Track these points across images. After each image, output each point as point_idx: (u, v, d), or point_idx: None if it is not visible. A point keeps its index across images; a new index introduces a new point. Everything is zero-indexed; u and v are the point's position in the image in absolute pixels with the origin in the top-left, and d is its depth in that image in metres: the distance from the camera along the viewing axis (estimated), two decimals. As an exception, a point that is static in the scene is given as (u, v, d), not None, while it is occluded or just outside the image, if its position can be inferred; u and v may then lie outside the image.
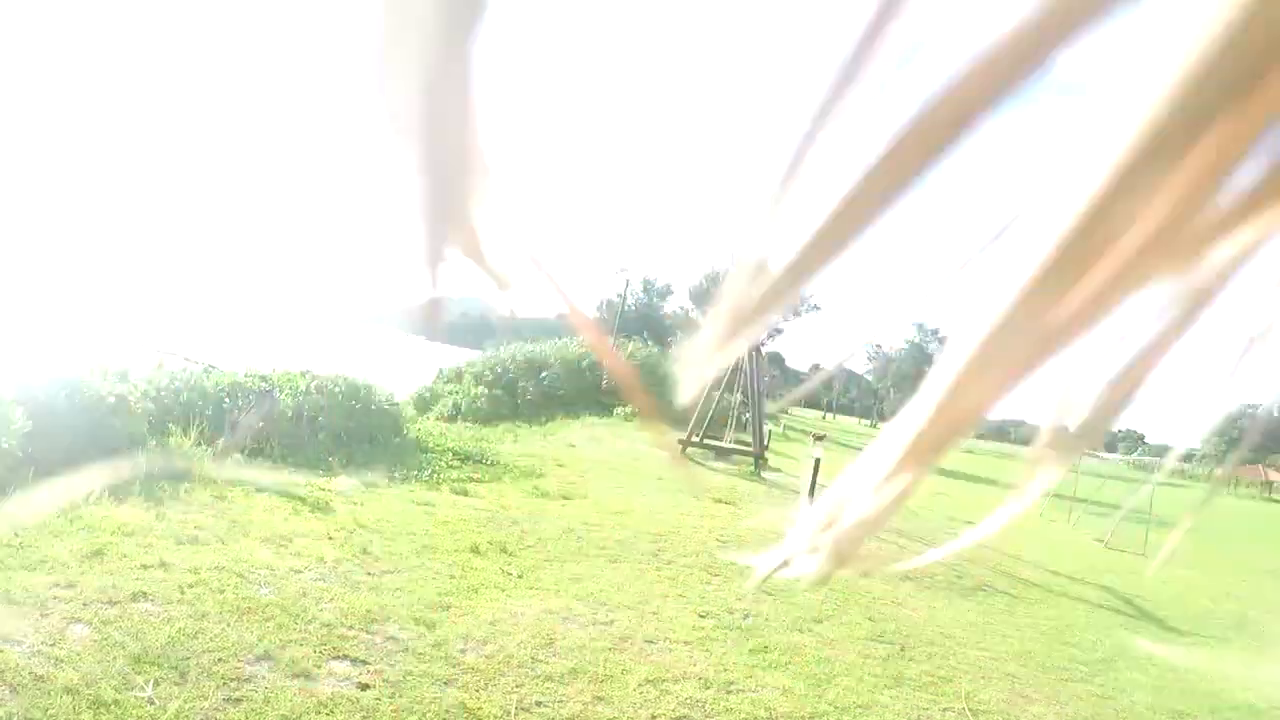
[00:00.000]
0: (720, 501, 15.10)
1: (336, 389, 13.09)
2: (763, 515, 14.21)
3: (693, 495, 15.28)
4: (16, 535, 6.59)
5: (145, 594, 5.86)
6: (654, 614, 7.45)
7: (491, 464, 14.86)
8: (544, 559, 8.77)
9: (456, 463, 14.32)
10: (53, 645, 4.96)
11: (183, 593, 5.97)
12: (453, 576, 7.51)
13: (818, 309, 70.61)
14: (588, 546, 9.53)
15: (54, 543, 6.54)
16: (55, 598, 5.57)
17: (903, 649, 7.84)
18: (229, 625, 5.57)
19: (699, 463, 20.93)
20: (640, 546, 9.93)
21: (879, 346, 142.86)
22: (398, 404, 15.64)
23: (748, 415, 25.39)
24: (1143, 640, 10.45)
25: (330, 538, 8.08)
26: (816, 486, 16.72)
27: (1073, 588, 13.84)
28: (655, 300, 74.58)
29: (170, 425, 10.46)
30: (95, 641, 5.06)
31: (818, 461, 16.81)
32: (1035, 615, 10.67)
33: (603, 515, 11.64)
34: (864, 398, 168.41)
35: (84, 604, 5.54)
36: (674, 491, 15.39)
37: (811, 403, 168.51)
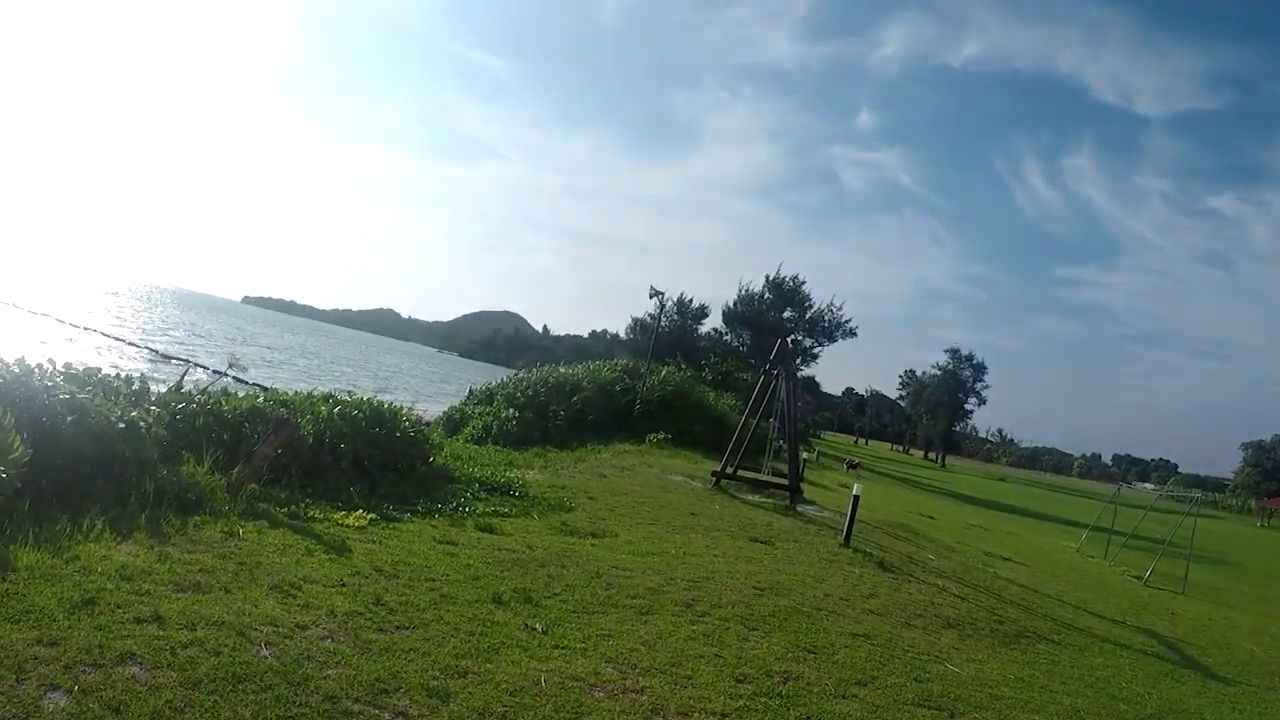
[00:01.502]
0: (756, 540, 14.49)
1: (360, 414, 12.60)
2: (800, 557, 13.61)
3: (728, 534, 14.68)
4: (3, 579, 6.11)
5: (134, 655, 5.33)
6: (688, 678, 6.85)
7: (519, 496, 14.32)
8: (571, 610, 8.19)
9: (483, 494, 13.81)
10: (25, 718, 4.44)
11: (175, 654, 5.43)
12: (472, 633, 6.94)
13: (853, 334, 69.39)
14: (617, 595, 8.94)
15: (43, 589, 6.05)
16: (35, 657, 5.06)
17: (953, 716, 7.25)
18: (222, 697, 5.02)
19: (734, 495, 20.26)
20: (673, 595, 9.34)
21: (912, 372, 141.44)
22: (425, 429, 15.13)
23: (782, 442, 24.77)
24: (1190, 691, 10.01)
25: (343, 585, 7.54)
26: (855, 525, 16.12)
27: (1116, 632, 13.25)
28: (689, 322, 73.72)
29: (184, 452, 9.98)
30: (71, 715, 4.53)
31: (856, 499, 16.17)
32: (1081, 665, 10.16)
33: (634, 557, 11.06)
34: (896, 422, 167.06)
35: (65, 666, 5.02)
36: (708, 529, 14.79)
37: (844, 426, 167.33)
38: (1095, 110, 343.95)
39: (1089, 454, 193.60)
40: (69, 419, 8.57)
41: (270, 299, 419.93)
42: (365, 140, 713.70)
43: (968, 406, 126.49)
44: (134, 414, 9.35)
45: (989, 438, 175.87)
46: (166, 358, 44.84)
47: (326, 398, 13.25)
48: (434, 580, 8.24)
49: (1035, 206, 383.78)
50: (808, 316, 68.79)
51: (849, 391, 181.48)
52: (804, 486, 22.53)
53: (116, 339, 50.03)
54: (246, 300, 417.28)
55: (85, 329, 51.15)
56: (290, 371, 60.93)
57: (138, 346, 48.47)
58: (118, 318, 78.13)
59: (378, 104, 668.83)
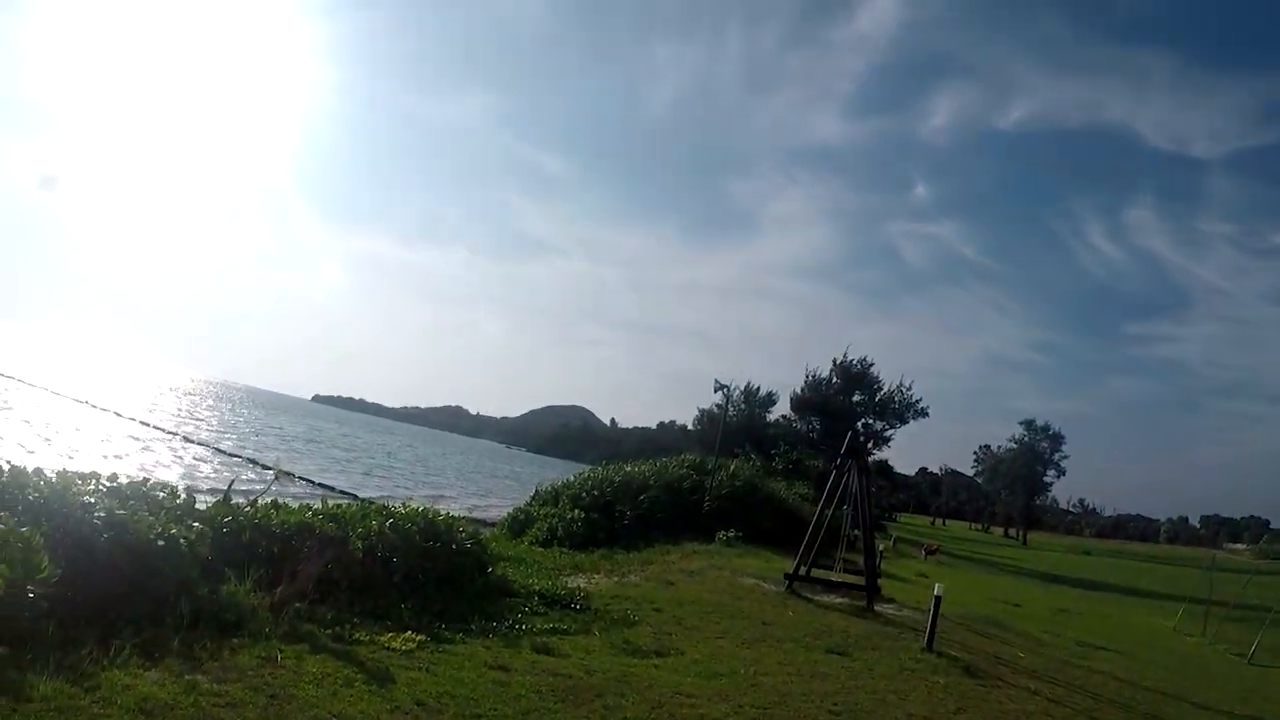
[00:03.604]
0: (833, 652, 13.60)
1: (413, 527, 12.11)
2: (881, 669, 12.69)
3: (802, 645, 13.79)
4: (15, 711, 5.61)
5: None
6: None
7: (580, 609, 13.60)
8: (629, 750, 7.44)
9: (543, 608, 13.14)
10: None
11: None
12: (518, 787, 6.24)
13: (924, 414, 68.06)
14: (681, 730, 8.17)
15: (54, 729, 5.53)
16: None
17: None
18: None
19: (808, 598, 19.32)
20: (743, 727, 8.54)
21: (986, 447, 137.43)
22: (482, 538, 14.57)
23: (857, 532, 23.86)
24: None
25: (380, 725, 6.90)
26: (938, 625, 15.16)
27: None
28: (757, 410, 72.94)
29: (227, 569, 9.52)
30: None
31: (938, 600, 15.20)
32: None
33: (700, 680, 10.25)
34: (973, 500, 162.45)
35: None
36: (780, 640, 13.94)
37: (920, 507, 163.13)
38: (1151, 159, 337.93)
39: (1175, 517, 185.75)
40: (105, 535, 8.18)
41: (339, 397, 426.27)
42: (427, 242, 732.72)
43: (1046, 479, 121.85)
44: (174, 530, 8.93)
45: (1070, 509, 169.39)
46: (231, 456, 45.25)
47: (379, 510, 12.80)
48: (479, 717, 7.55)
49: (1099, 265, 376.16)
50: (878, 399, 67.84)
51: (923, 471, 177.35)
52: (881, 581, 21.55)
53: (185, 438, 50.72)
54: (317, 398, 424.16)
55: (168, 432, 52.09)
56: (359, 469, 61.23)
57: (207, 447, 48.90)
58: (192, 416, 79.49)
59: (436, 207, 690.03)
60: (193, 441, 49.71)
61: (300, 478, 37.62)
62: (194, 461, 41.07)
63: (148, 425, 53.27)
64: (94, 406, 56.57)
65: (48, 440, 36.41)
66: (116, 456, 36.41)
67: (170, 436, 50.69)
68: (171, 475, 33.05)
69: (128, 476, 10.25)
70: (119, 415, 55.08)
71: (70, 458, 31.53)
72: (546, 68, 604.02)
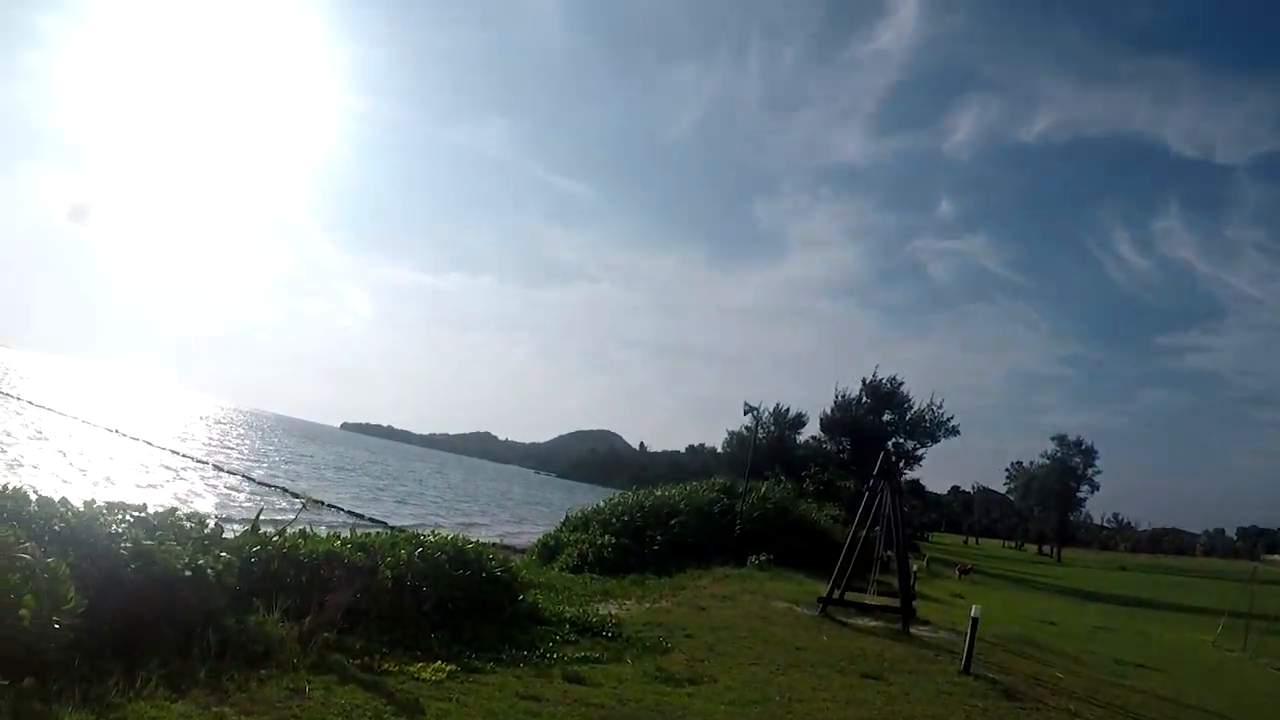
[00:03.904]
0: (868, 676, 13.35)
1: (443, 556, 11.98)
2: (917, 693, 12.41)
3: (837, 670, 13.52)
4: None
5: None
6: None
7: (612, 637, 13.40)
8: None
9: (574, 635, 12.96)
10: None
11: None
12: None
13: (956, 432, 67.39)
14: (717, 760, 7.96)
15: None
16: None
17: None
18: None
19: (842, 621, 19.05)
20: (780, 757, 8.31)
21: (1019, 463, 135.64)
22: (513, 565, 14.43)
23: (890, 552, 23.58)
24: None
25: (408, 758, 6.75)
26: (975, 648, 14.90)
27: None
28: (787, 432, 72.58)
29: (255, 599, 9.42)
30: None
31: (975, 622, 14.90)
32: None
33: (734, 709, 10.05)
34: (1006, 518, 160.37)
35: None
36: (815, 665, 13.71)
37: (952, 525, 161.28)
38: (1177, 167, 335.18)
39: (1212, 530, 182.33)
40: (132, 566, 8.10)
41: (368, 424, 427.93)
42: (454, 269, 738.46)
43: (1080, 494, 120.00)
44: (202, 560, 8.84)
45: (1104, 524, 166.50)
46: (263, 485, 45.49)
47: (409, 539, 12.68)
48: (511, 750, 7.40)
49: (1128, 276, 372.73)
50: (908, 418, 67.26)
51: (955, 489, 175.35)
52: (915, 602, 21.26)
53: (217, 467, 51.09)
54: (345, 426, 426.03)
55: (200, 460, 52.51)
56: (391, 497, 61.31)
57: (240, 475, 49.20)
58: (224, 445, 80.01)
59: (462, 234, 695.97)
60: (225, 470, 50.11)
61: (329, 505, 37.77)
62: (227, 490, 41.21)
63: (180, 454, 53.86)
64: (126, 436, 57.31)
65: (83, 471, 36.63)
66: (152, 486, 36.58)
67: (203, 465, 51.17)
68: (206, 504, 33.21)
69: (156, 506, 10.20)
70: (151, 444, 55.73)
71: (105, 487, 31.74)
72: (569, 94, 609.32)
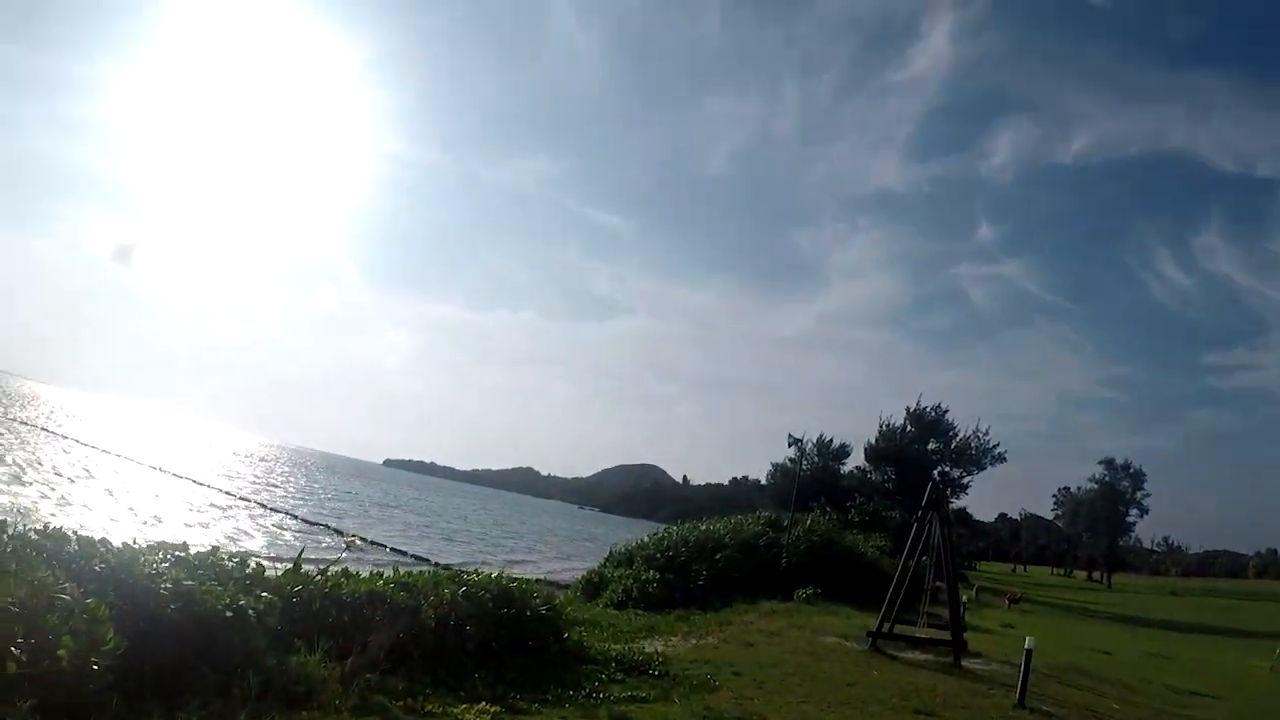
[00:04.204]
0: (921, 713, 13.00)
1: (487, 595, 11.80)
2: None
3: (889, 707, 13.14)
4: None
5: None
6: None
7: (659, 675, 13.09)
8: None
9: (620, 674, 12.68)
10: None
11: None
12: None
13: (1002, 459, 66.37)
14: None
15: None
16: None
17: None
18: None
19: (892, 655, 18.65)
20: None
21: (1066, 489, 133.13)
22: (557, 602, 14.21)
23: (939, 583, 23.11)
24: None
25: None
26: (1029, 680, 14.60)
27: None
28: (831, 463, 72.02)
29: (296, 639, 9.27)
30: None
31: (1029, 654, 14.49)
32: None
33: (787, 751, 9.71)
34: (1054, 544, 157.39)
35: None
36: (866, 702, 13.37)
37: (1000, 553, 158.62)
38: (1216, 182, 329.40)
39: (1264, 550, 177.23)
40: (173, 606, 7.99)
41: (410, 461, 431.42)
42: (493, 305, 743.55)
43: (1129, 519, 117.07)
44: (243, 600, 8.72)
45: (1154, 548, 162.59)
46: (311, 523, 45.73)
47: (452, 577, 12.51)
48: (559, 793, 7.16)
49: (1171, 295, 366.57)
50: (953, 446, 66.31)
51: (1002, 517, 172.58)
52: (966, 634, 20.81)
53: (263, 505, 51.46)
54: (388, 463, 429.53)
55: (244, 499, 52.95)
56: (438, 534, 61.48)
57: (283, 513, 49.51)
58: (269, 483, 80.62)
59: (503, 271, 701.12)
60: (272, 509, 50.47)
61: (372, 542, 37.88)
62: (275, 529, 41.43)
63: (227, 493, 54.35)
64: (173, 474, 57.97)
65: (131, 509, 36.97)
66: (201, 525, 36.89)
67: (249, 503, 51.60)
68: (255, 543, 33.43)
69: (200, 546, 10.13)
70: (198, 483, 56.35)
71: (154, 526, 32.01)
72: (607, 129, 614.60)
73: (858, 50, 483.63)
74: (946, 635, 20.06)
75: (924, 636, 20.65)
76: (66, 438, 70.11)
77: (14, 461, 45.44)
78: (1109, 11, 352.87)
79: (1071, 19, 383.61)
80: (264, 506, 51.06)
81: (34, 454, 52.10)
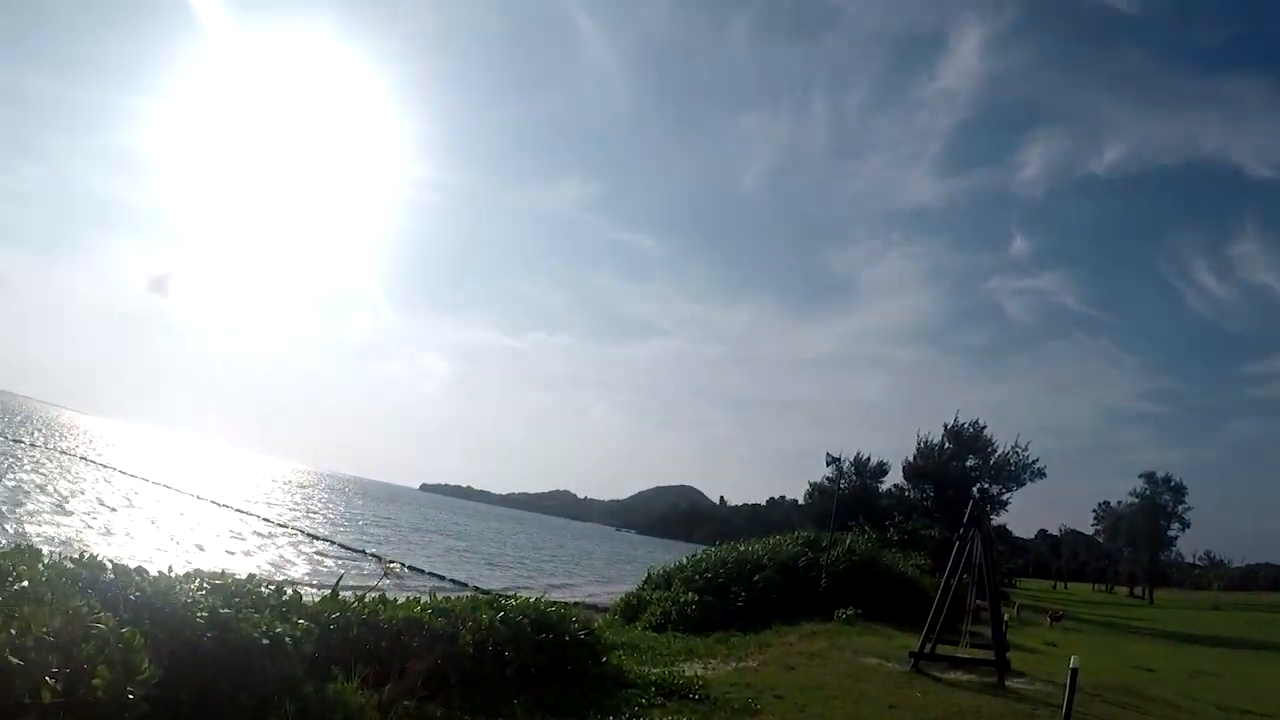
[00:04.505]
0: (966, 735, 12.68)
1: (525, 620, 11.70)
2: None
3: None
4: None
5: None
6: None
7: (699, 699, 12.91)
8: None
9: (659, 699, 12.50)
10: None
11: None
12: None
13: (1042, 475, 65.50)
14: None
15: None
16: None
17: None
18: None
19: (935, 676, 18.35)
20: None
21: (1106, 503, 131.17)
22: (593, 630, 14.08)
23: (980, 601, 22.74)
24: None
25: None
26: (1074, 700, 14.20)
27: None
28: (869, 481, 71.47)
29: (334, 666, 9.22)
30: None
31: (1074, 674, 14.17)
32: None
33: (833, 776, 9.50)
34: (1095, 560, 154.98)
35: None
36: (910, 725, 13.06)
37: (1040, 570, 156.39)
38: (1252, 189, 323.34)
39: None
40: (209, 635, 7.95)
41: (446, 485, 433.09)
42: (529, 329, 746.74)
43: (1170, 532, 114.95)
44: (280, 628, 8.66)
45: (1196, 562, 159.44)
46: (352, 550, 45.91)
47: (490, 602, 12.45)
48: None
49: (1209, 305, 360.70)
50: (992, 462, 65.53)
51: (1042, 533, 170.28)
52: (1009, 653, 20.45)
53: (306, 533, 51.75)
54: (424, 487, 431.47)
55: (283, 525, 53.30)
56: (479, 559, 61.60)
57: (324, 540, 49.77)
58: (309, 511, 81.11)
59: (536, 294, 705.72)
60: (312, 536, 50.76)
61: (411, 567, 37.93)
62: (317, 556, 41.63)
63: (268, 520, 54.75)
64: (214, 502, 58.50)
65: (172, 537, 37.30)
66: (245, 554, 37.16)
67: (290, 530, 51.93)
68: (298, 571, 33.67)
69: (238, 573, 10.12)
70: (239, 511, 56.83)
71: (196, 554, 32.23)
72: (635, 150, 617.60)
73: (886, 65, 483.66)
74: (989, 655, 19.74)
75: (966, 656, 20.33)
76: (107, 466, 71.01)
77: (56, 491, 46.06)
78: (1137, 19, 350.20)
79: (1100, 27, 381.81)
80: (306, 534, 51.36)
81: (76, 483, 52.80)
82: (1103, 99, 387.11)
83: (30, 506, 37.20)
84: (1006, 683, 18.30)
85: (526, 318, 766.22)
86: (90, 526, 34.94)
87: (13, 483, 45.03)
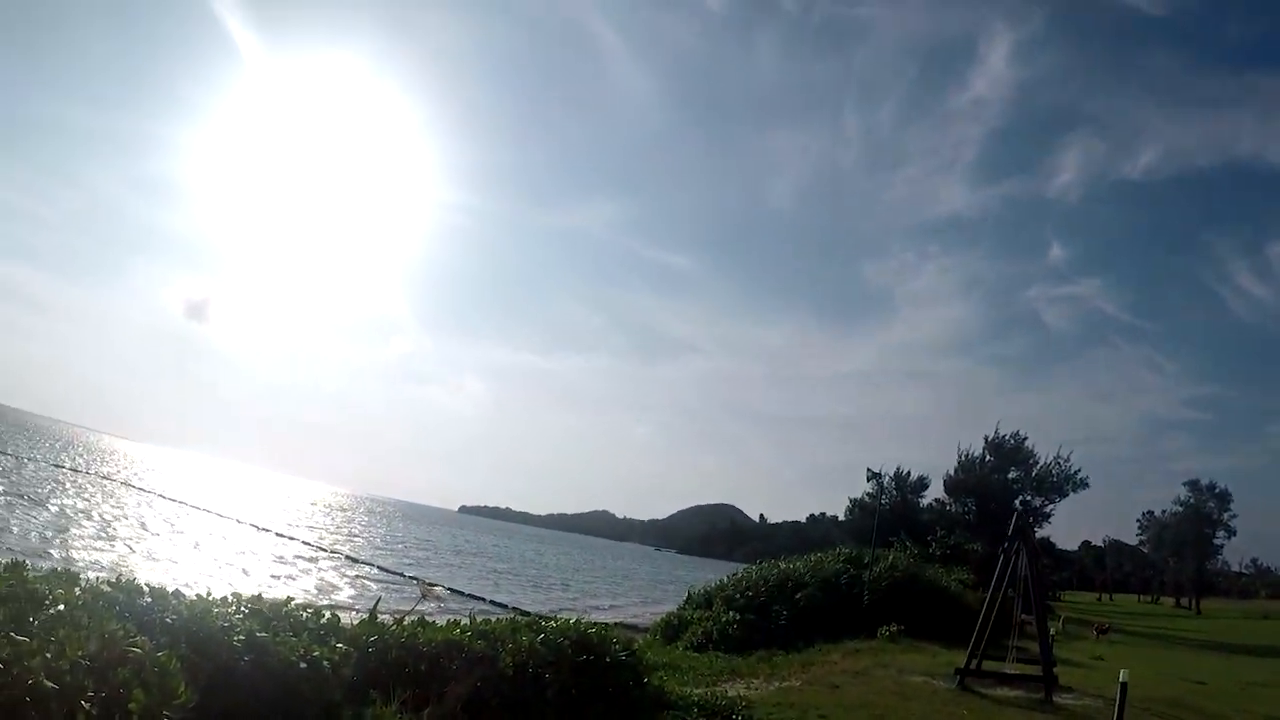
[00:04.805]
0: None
1: (565, 642, 11.56)
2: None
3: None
4: None
5: None
6: None
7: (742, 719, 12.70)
8: None
9: (702, 720, 12.32)
10: None
11: None
12: None
13: (1085, 485, 64.29)
14: None
15: None
16: None
17: None
18: None
19: (981, 694, 18.01)
20: None
21: (1150, 513, 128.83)
22: (634, 651, 13.91)
23: (1025, 616, 22.31)
24: None
25: None
26: (1125, 715, 13.88)
27: None
28: (909, 496, 70.75)
29: (372, 690, 9.13)
30: None
31: (1124, 688, 13.81)
32: None
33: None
34: (1139, 570, 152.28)
35: None
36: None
37: (1084, 582, 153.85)
38: None
39: None
40: (246, 658, 7.88)
41: (485, 507, 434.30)
42: (565, 350, 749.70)
43: (1216, 541, 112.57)
44: (318, 652, 8.58)
45: (1243, 570, 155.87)
46: (393, 573, 46.01)
47: (530, 625, 12.31)
48: None
49: (1250, 308, 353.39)
50: (1034, 474, 64.49)
51: (1085, 544, 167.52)
52: (1056, 668, 20.04)
53: (349, 557, 51.98)
54: (463, 510, 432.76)
55: (328, 550, 53.58)
56: (524, 581, 61.60)
57: (367, 564, 49.91)
58: (350, 535, 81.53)
59: (572, 315, 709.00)
60: (354, 559, 50.97)
61: (452, 590, 37.92)
62: (360, 580, 41.75)
63: (311, 544, 55.07)
64: (256, 527, 58.95)
65: (216, 561, 37.59)
66: (289, 578, 37.34)
67: (327, 553, 52.19)
68: (342, 595, 33.80)
69: (283, 597, 10.08)
70: (281, 535, 57.22)
71: (242, 579, 32.44)
72: (666, 169, 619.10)
73: (917, 76, 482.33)
74: (1036, 670, 19.39)
75: (1013, 672, 19.98)
76: (149, 491, 71.81)
77: (100, 516, 46.59)
78: (1166, 20, 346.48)
79: (1128, 30, 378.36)
80: (348, 558, 51.57)
81: (119, 508, 53.41)
82: (1134, 102, 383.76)
83: (75, 532, 37.64)
84: (1054, 698, 18.04)
85: (561, 339, 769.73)
86: (134, 551, 35.27)
87: (56, 508, 45.62)
